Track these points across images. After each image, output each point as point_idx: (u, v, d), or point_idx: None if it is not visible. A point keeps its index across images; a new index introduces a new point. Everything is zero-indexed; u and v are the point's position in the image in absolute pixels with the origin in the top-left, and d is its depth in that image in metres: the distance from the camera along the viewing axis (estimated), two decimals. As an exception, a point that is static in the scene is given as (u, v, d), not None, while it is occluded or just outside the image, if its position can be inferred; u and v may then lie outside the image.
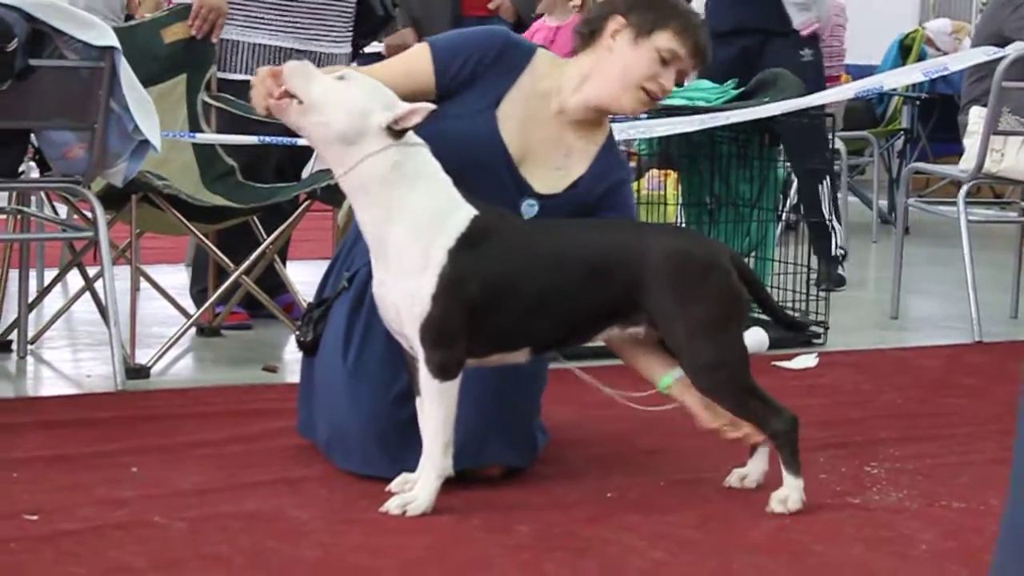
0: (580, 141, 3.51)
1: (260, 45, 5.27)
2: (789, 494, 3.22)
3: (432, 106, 3.14)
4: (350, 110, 3.10)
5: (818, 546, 3.05)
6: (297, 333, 3.59)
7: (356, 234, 3.50)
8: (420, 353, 3.12)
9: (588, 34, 3.51)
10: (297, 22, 5.30)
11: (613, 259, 3.20)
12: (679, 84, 3.55)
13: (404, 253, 3.11)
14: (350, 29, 5.43)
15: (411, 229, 3.11)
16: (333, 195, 4.62)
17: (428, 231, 3.11)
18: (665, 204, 5.85)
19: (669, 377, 3.35)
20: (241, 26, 5.22)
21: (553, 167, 3.49)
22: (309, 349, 3.56)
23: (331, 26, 5.36)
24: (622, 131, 5.14)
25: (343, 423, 3.44)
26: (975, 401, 4.49)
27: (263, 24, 5.25)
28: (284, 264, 5.38)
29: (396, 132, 3.10)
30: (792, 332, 3.50)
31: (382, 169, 3.11)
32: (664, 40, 3.42)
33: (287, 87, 3.12)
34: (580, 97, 3.47)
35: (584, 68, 3.48)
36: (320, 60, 5.27)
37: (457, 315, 3.09)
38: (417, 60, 3.47)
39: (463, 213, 3.14)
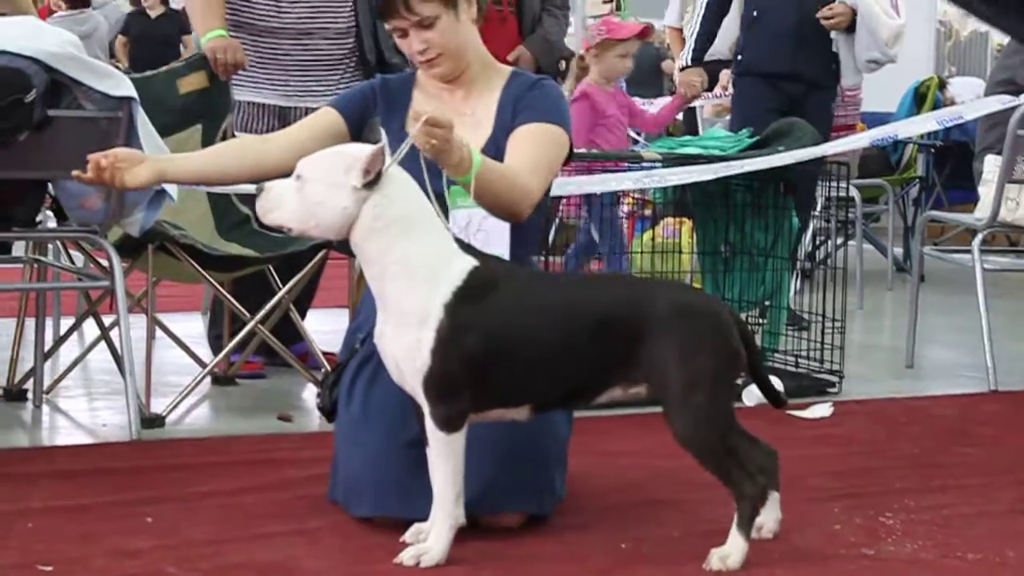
0: (480, 99, 3.67)
1: (247, 103, 5.29)
2: (731, 553, 3.18)
3: (383, 144, 3.15)
4: (320, 201, 3.13)
5: (833, 598, 3.04)
6: (317, 400, 3.63)
7: (368, 296, 3.52)
8: (425, 406, 3.13)
9: None
10: (282, 79, 5.31)
11: (617, 312, 3.19)
12: (425, 26, 3.58)
13: (402, 306, 3.13)
14: (347, 80, 5.42)
15: (405, 280, 3.13)
16: (348, 245, 4.63)
17: (425, 284, 3.12)
18: (680, 252, 5.86)
19: None
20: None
21: (468, 127, 3.53)
22: (329, 414, 3.59)
23: (320, 79, 5.36)
24: (637, 180, 5.17)
25: (354, 470, 3.45)
26: (991, 451, 4.47)
27: (249, 81, 5.27)
28: (304, 314, 5.38)
29: (374, 181, 3.12)
30: (774, 404, 3.48)
31: (365, 220, 3.13)
32: (389, 26, 3.66)
33: (267, 223, 3.22)
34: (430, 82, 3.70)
35: None
36: (307, 115, 5.30)
37: (457, 368, 3.10)
38: (325, 119, 3.67)
39: (460, 265, 3.16)
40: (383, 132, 3.27)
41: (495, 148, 3.55)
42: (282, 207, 3.17)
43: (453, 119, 3.24)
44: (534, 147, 3.55)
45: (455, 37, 3.60)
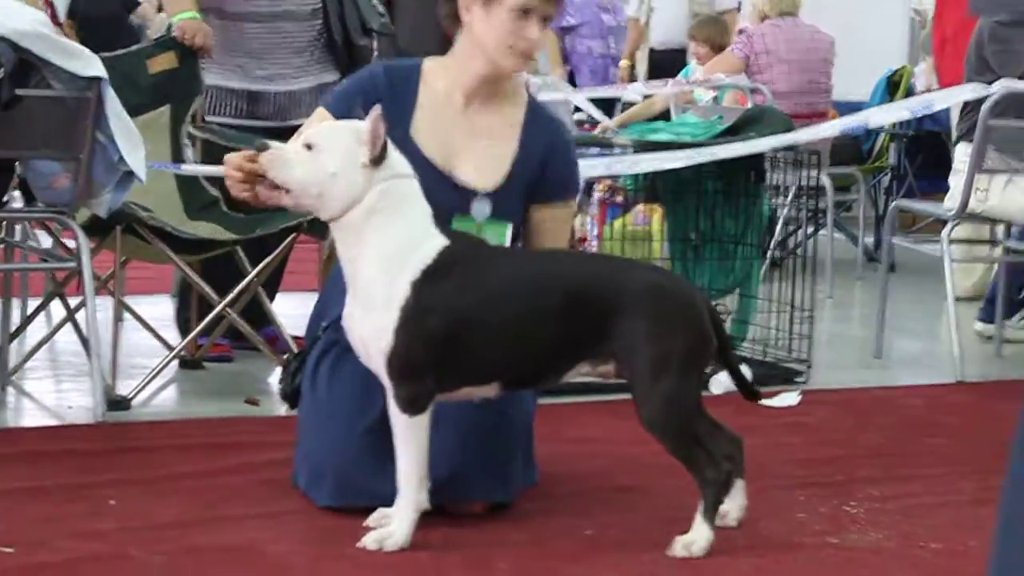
0: (497, 119, 3.57)
1: (215, 87, 5.27)
2: (696, 540, 3.18)
3: (376, 108, 3.14)
4: (334, 172, 3.11)
5: (796, 586, 3.05)
6: (279, 386, 3.61)
7: (332, 286, 3.51)
8: (388, 388, 3.12)
9: (449, 18, 3.57)
10: (250, 64, 5.30)
11: (588, 291, 3.18)
12: (548, 25, 3.53)
13: (371, 287, 3.13)
14: (316, 62, 5.40)
15: (380, 263, 3.12)
16: (318, 228, 4.62)
17: (395, 265, 3.11)
18: (651, 240, 5.86)
19: None
20: None
21: (484, 157, 3.52)
22: (290, 400, 3.57)
23: (288, 63, 5.34)
24: (608, 167, 5.16)
25: (316, 457, 3.45)
26: (956, 441, 4.49)
27: (217, 66, 5.25)
28: (273, 297, 5.37)
29: (380, 158, 3.12)
30: (744, 393, 3.49)
31: (369, 202, 3.12)
32: None
33: (271, 178, 3.15)
34: (467, 76, 3.53)
35: (462, 49, 3.55)
36: (277, 100, 5.29)
37: (421, 349, 3.09)
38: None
39: (431, 245, 3.15)
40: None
41: (522, 164, 3.54)
42: (291, 170, 3.13)
43: (450, 132, 3.35)
44: (565, 232, 3.71)
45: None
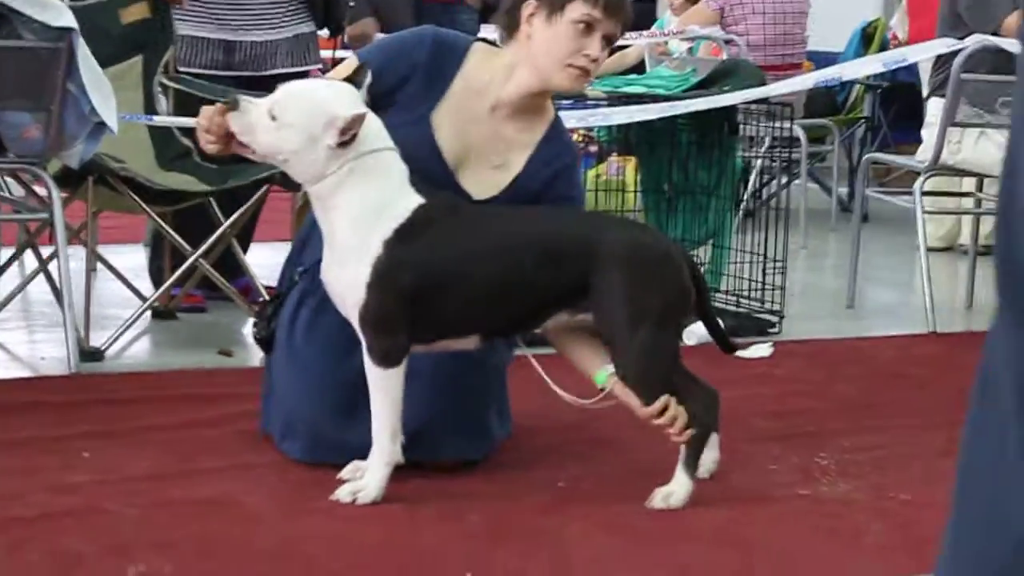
0: (519, 134, 3.48)
1: (190, 37, 5.24)
2: (675, 491, 3.21)
3: (367, 111, 3.14)
4: (295, 150, 3.12)
5: (766, 536, 3.07)
6: (254, 331, 3.60)
7: (309, 228, 3.51)
8: (362, 340, 3.13)
9: (508, 25, 3.46)
10: (225, 13, 5.27)
11: (568, 246, 3.20)
12: (611, 45, 3.46)
13: (347, 242, 3.14)
14: (292, 12, 5.38)
15: (355, 220, 3.13)
16: (291, 179, 4.60)
17: (369, 221, 3.13)
18: (624, 191, 5.87)
19: (605, 371, 3.33)
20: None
21: (491, 165, 3.47)
22: (265, 345, 3.57)
23: (264, 13, 5.31)
24: (581, 119, 5.16)
25: (291, 411, 3.45)
26: (927, 392, 4.51)
27: (191, 15, 5.22)
28: (246, 248, 5.36)
29: (348, 141, 3.11)
30: (721, 346, 3.51)
31: (339, 177, 3.13)
32: (576, 10, 3.36)
33: (236, 137, 3.16)
34: (512, 87, 3.43)
35: (511, 59, 3.45)
36: (252, 49, 5.27)
37: (394, 303, 3.10)
38: (346, 75, 3.38)
39: (407, 203, 3.16)
40: (368, 77, 3.25)
41: (515, 191, 3.47)
42: (254, 135, 3.14)
43: (470, 129, 3.34)
44: None
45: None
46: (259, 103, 3.16)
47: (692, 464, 3.22)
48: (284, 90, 3.19)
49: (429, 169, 3.33)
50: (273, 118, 3.12)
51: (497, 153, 3.47)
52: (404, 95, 3.41)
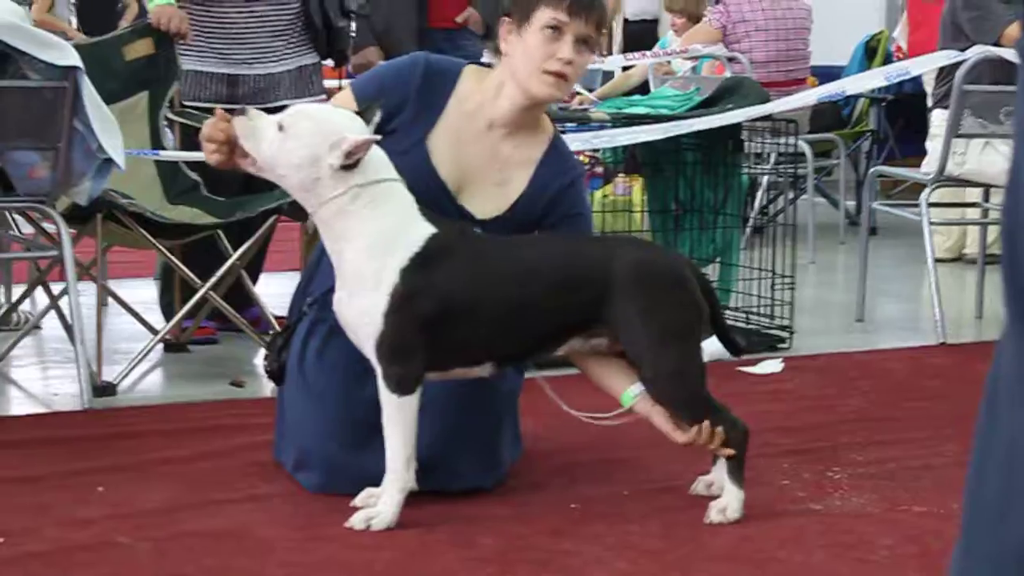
0: (517, 151, 3.51)
1: (193, 72, 5.27)
2: (729, 503, 3.24)
3: (376, 136, 3.17)
4: (297, 164, 3.13)
5: (780, 553, 3.08)
6: (265, 363, 3.62)
7: (318, 258, 3.53)
8: (377, 369, 3.15)
9: (495, 48, 3.50)
10: (228, 47, 5.29)
11: (579, 272, 3.23)
12: (588, 46, 3.43)
13: (359, 272, 3.15)
14: (295, 45, 5.41)
15: (367, 249, 3.14)
16: (299, 210, 4.63)
17: (382, 250, 3.14)
18: (631, 211, 5.88)
19: (632, 392, 3.36)
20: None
21: (492, 184, 3.49)
22: (276, 377, 3.59)
23: (266, 46, 5.34)
24: (586, 141, 5.18)
25: (303, 440, 3.46)
26: (938, 404, 4.52)
27: (194, 50, 5.24)
28: (256, 278, 5.38)
29: (352, 165, 3.13)
30: (733, 353, 3.53)
31: (342, 203, 3.15)
32: (542, 16, 3.37)
33: (240, 144, 3.18)
34: (502, 104, 3.46)
35: (499, 77, 3.48)
36: (256, 82, 5.29)
37: (410, 332, 3.12)
38: (342, 105, 3.42)
39: (419, 232, 3.17)
40: (378, 115, 3.27)
41: (524, 205, 3.50)
42: (258, 144, 3.16)
43: (467, 151, 3.38)
44: None
45: (581, 74, 3.53)
46: (269, 116, 3.20)
47: (738, 472, 3.26)
48: (297, 107, 3.26)
49: (430, 192, 3.36)
50: (281, 129, 3.15)
51: (494, 171, 3.49)
52: (400, 122, 3.44)
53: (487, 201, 3.49)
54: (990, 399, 1.47)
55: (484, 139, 3.49)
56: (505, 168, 3.50)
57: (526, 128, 3.51)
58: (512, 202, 3.50)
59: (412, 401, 3.16)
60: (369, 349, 3.16)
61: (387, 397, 3.16)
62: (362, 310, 3.14)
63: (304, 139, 3.13)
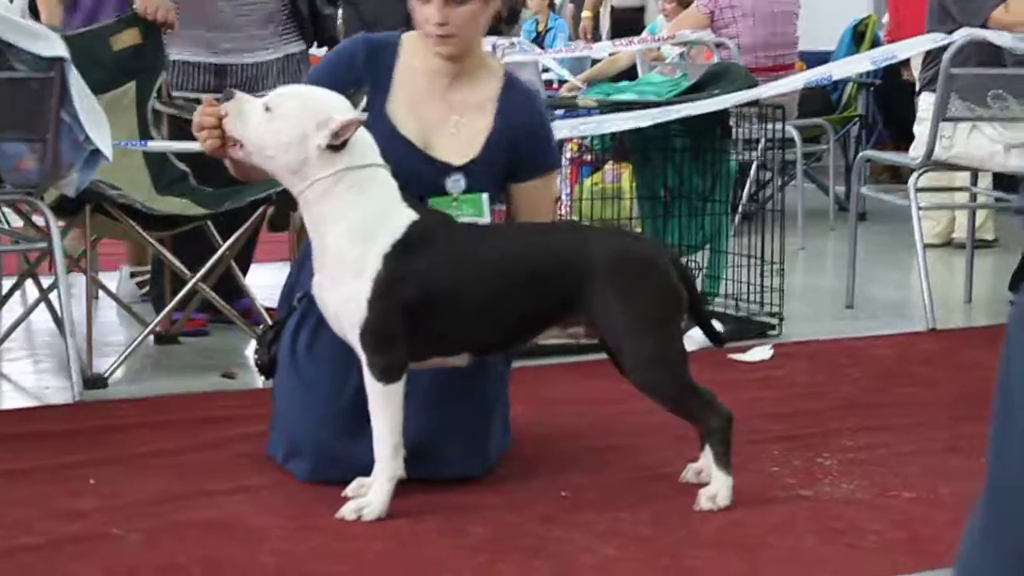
0: (471, 95, 3.59)
1: (181, 62, 5.26)
2: (718, 491, 3.25)
3: (363, 116, 3.19)
4: (286, 144, 3.14)
5: (770, 539, 3.09)
6: (255, 356, 3.63)
7: (305, 252, 3.54)
8: (362, 357, 3.15)
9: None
10: (214, 37, 5.29)
11: (555, 262, 3.23)
12: (459, 3, 3.48)
13: (341, 257, 3.15)
14: (281, 34, 5.41)
15: (349, 234, 3.15)
16: (283, 218, 4.65)
17: (365, 236, 3.14)
18: (620, 198, 5.88)
19: None
20: None
21: (454, 129, 3.55)
22: (266, 370, 3.59)
23: (253, 35, 5.33)
24: (573, 129, 5.18)
25: (294, 431, 3.47)
26: (928, 390, 4.53)
27: (182, 40, 5.23)
28: (246, 269, 5.38)
29: (339, 146, 3.13)
30: (713, 343, 3.54)
31: (327, 184, 3.15)
32: None
33: (226, 129, 3.17)
34: (430, 60, 3.56)
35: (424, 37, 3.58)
36: (243, 71, 5.29)
37: (394, 319, 3.13)
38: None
39: (401, 218, 3.18)
40: (364, 100, 3.28)
41: (496, 142, 3.56)
42: (245, 125, 3.17)
43: (423, 107, 3.40)
44: (548, 203, 3.73)
45: (475, 25, 3.54)
46: (255, 98, 3.21)
47: (724, 459, 3.25)
48: (284, 88, 3.27)
49: (400, 153, 3.40)
50: (267, 110, 3.15)
51: (456, 118, 3.57)
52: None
53: (457, 148, 3.55)
54: (1002, 401, 1.48)
55: (433, 92, 3.57)
56: (463, 113, 3.58)
57: (468, 73, 3.60)
58: (483, 144, 3.57)
59: (398, 389, 3.16)
60: (353, 337, 3.17)
61: (372, 385, 3.17)
62: (346, 297, 3.15)
63: (291, 119, 3.14)
